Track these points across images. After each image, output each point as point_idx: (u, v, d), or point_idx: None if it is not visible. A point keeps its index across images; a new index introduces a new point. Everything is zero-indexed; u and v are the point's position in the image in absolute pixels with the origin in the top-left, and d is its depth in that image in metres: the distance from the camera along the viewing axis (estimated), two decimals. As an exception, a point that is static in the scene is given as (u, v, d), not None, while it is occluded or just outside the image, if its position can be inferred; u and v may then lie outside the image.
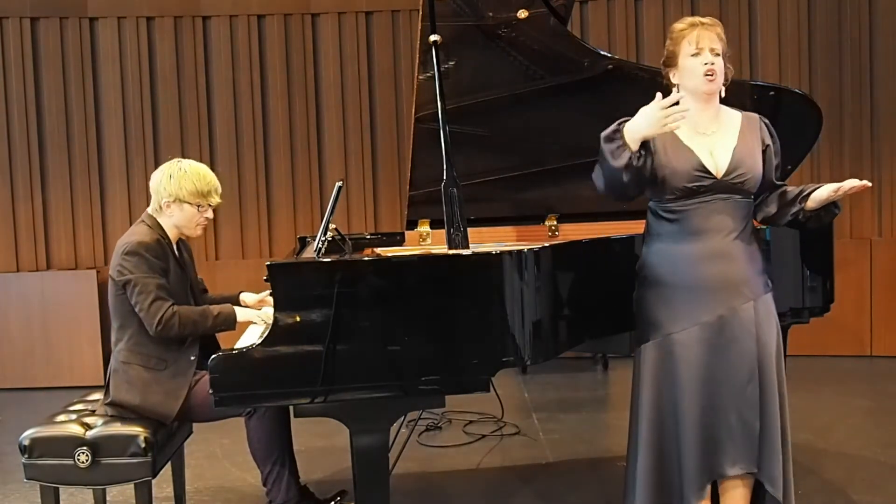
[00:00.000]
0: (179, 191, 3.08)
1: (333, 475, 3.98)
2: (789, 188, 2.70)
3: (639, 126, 2.46)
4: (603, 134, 2.54)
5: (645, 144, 2.52)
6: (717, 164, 2.57)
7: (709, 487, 2.62)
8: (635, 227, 3.44)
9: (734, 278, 2.58)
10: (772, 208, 2.70)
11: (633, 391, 2.72)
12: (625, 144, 2.48)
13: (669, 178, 2.56)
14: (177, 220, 3.13)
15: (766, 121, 2.71)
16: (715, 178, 2.55)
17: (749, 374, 2.57)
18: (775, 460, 2.60)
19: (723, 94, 2.62)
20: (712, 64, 2.54)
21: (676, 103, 2.42)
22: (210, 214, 3.17)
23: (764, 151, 2.65)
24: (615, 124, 2.53)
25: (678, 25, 2.63)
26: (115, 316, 3.11)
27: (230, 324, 3.08)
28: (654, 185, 2.61)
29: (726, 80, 2.62)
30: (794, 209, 2.65)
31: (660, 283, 2.64)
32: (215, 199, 3.15)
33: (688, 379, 2.58)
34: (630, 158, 2.47)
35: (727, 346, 2.57)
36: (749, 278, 2.60)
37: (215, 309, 3.06)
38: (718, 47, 2.57)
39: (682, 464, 2.61)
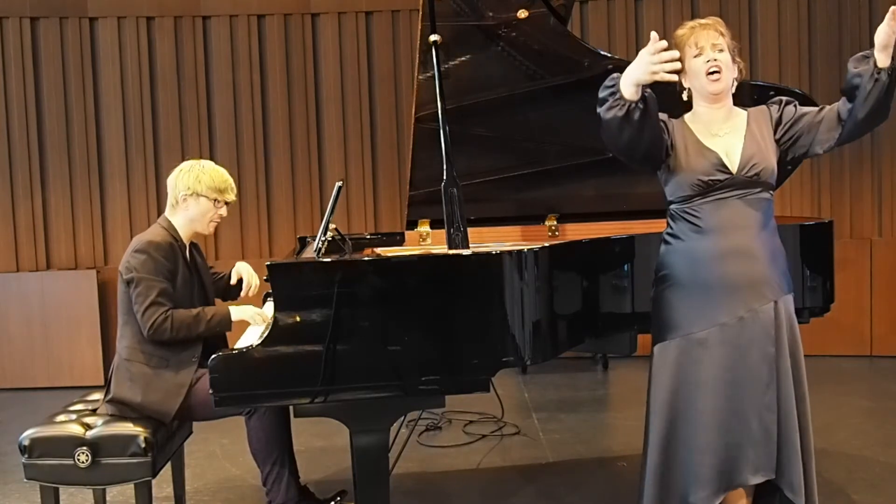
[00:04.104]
0: (198, 184, 3.14)
1: (333, 475, 3.98)
2: (838, 103, 2.53)
3: (630, 72, 2.37)
4: (601, 88, 2.45)
5: (663, 126, 2.50)
6: (732, 162, 2.55)
7: (723, 496, 2.56)
8: (635, 227, 3.46)
9: (755, 278, 2.53)
10: (856, 113, 2.47)
11: (648, 390, 2.67)
12: (620, 95, 2.38)
13: (688, 175, 2.54)
14: (192, 213, 3.16)
15: (773, 100, 2.64)
16: (731, 173, 2.52)
17: (768, 378, 2.52)
18: (795, 466, 2.54)
19: (733, 89, 2.58)
20: (715, 60, 2.52)
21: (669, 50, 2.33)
22: (224, 212, 3.23)
23: (779, 121, 2.58)
24: (610, 77, 2.45)
25: (679, 31, 2.61)
26: (121, 311, 3.13)
27: (225, 325, 3.10)
28: (671, 183, 2.59)
29: (740, 75, 2.59)
30: (868, 84, 2.39)
31: (679, 282, 2.59)
32: (231, 196, 3.23)
33: (708, 380, 2.53)
34: (629, 108, 2.38)
35: (747, 348, 2.52)
36: (770, 278, 2.55)
37: (209, 312, 3.08)
38: (721, 43, 2.54)
39: (692, 466, 2.55)
